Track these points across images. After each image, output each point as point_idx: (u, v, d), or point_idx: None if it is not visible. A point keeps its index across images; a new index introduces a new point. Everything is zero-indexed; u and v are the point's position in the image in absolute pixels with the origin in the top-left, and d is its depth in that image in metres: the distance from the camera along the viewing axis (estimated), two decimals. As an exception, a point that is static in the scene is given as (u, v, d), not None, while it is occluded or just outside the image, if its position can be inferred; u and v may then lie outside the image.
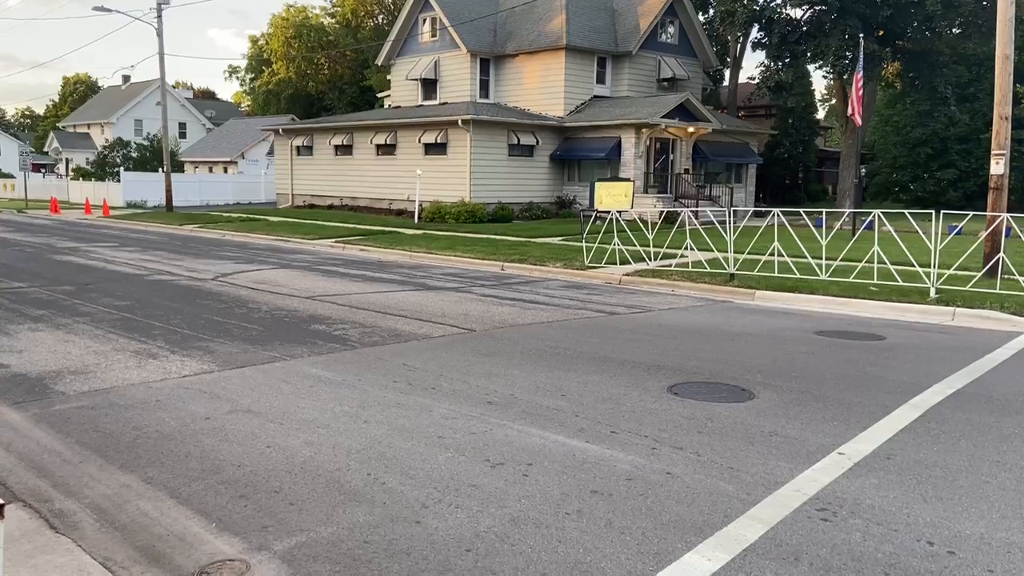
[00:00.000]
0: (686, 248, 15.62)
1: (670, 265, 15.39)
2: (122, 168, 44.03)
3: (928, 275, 12.10)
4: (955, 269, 12.52)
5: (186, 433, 5.55)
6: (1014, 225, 12.45)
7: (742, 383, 7.14)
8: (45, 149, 70.09)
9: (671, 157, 30.69)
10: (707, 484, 4.75)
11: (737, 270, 13.78)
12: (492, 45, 32.83)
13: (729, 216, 14.76)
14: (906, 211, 13.29)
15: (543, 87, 31.38)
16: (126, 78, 69.98)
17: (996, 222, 13.18)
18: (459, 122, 27.99)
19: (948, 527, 4.20)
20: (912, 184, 37.32)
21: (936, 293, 11.80)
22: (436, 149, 29.66)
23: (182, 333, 9.09)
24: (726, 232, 14.28)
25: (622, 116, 28.82)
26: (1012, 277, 12.10)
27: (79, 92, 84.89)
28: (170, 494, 4.51)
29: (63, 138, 67.75)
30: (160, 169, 40.13)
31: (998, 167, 13.84)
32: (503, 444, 5.40)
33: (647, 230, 16.63)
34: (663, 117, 28.29)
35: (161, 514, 4.25)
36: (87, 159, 54.43)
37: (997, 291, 11.72)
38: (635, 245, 16.32)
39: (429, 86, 34.13)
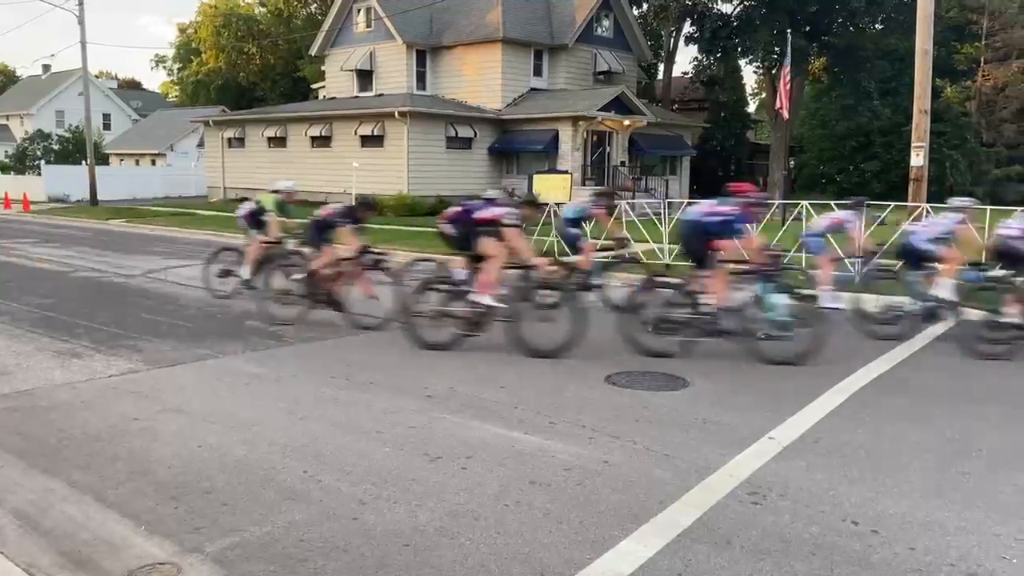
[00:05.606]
0: (623, 240, 15.75)
1: (607, 257, 15.51)
2: (43, 161, 42.25)
3: (853, 264, 12.50)
4: (878, 258, 12.94)
5: (113, 434, 5.39)
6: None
7: (677, 371, 7.28)
8: (-40, 141, 66.76)
9: (608, 150, 30.98)
10: (643, 472, 4.83)
11: (672, 261, 13.99)
12: (428, 36, 32.56)
13: (664, 208, 14.98)
14: (832, 202, 13.69)
15: (480, 79, 31.26)
16: (46, 67, 66.95)
17: (917, 212, 13.68)
18: (396, 114, 27.71)
19: (872, 507, 4.37)
20: (838, 176, 38.41)
21: (860, 281, 12.17)
22: (373, 141, 29.30)
23: (108, 331, 8.80)
24: (661, 223, 14.49)
25: (559, 109, 28.95)
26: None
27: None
28: (96, 498, 4.37)
29: (-21, 130, 64.62)
30: (84, 162, 38.67)
31: (918, 159, 14.38)
32: (442, 437, 5.39)
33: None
34: (599, 110, 28.53)
35: (88, 518, 4.12)
36: (6, 152, 52.04)
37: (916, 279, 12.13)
38: (573, 237, 16.38)
39: (365, 77, 33.65)
